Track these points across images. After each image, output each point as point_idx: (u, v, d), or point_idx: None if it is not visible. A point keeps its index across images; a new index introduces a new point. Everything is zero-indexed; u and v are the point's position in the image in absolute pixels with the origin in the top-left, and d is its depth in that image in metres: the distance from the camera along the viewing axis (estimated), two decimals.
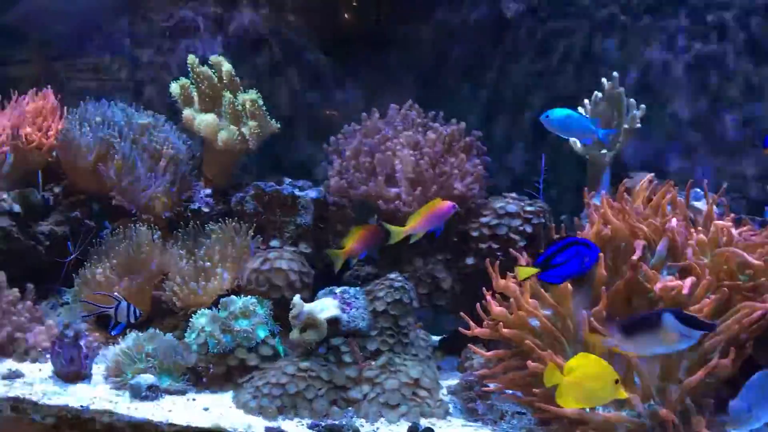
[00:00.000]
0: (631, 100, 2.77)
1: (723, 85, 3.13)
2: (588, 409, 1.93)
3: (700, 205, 2.41)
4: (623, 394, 1.75)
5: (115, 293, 2.62)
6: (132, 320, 2.53)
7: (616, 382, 1.74)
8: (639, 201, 2.30)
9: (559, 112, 2.48)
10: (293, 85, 3.61)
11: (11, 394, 2.29)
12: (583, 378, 1.77)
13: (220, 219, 2.87)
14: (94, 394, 2.33)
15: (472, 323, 2.26)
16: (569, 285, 2.12)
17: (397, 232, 2.56)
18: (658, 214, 2.22)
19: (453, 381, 2.49)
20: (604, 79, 2.81)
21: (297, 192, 2.95)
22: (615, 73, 2.81)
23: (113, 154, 2.97)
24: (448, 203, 2.56)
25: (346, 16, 3.58)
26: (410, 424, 2.16)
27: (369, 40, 3.51)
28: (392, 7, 3.50)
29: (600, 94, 2.81)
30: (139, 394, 2.29)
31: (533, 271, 2.02)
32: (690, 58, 3.16)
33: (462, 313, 2.30)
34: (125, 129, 3.06)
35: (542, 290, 2.15)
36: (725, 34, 3.12)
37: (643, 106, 2.76)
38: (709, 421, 1.88)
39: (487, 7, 3.38)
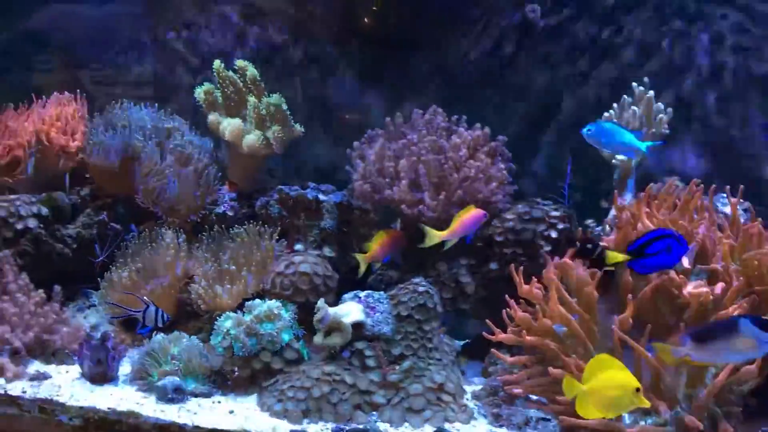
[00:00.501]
0: (659, 104, 2.74)
1: (749, 90, 3.09)
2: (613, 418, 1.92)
3: (727, 209, 2.38)
4: (645, 402, 1.71)
5: (144, 297, 2.64)
6: (160, 324, 2.56)
7: (637, 390, 1.69)
8: (665, 205, 2.28)
9: (602, 126, 2.46)
10: (316, 89, 3.62)
11: (39, 396, 2.32)
12: (602, 387, 1.73)
13: (244, 223, 2.89)
14: (121, 396, 2.34)
15: (495, 329, 2.25)
16: (595, 291, 2.11)
17: (435, 236, 2.56)
18: (685, 218, 2.21)
19: (477, 386, 2.49)
20: (634, 83, 2.78)
21: (321, 196, 2.96)
22: (646, 78, 2.78)
23: (139, 157, 2.99)
24: (480, 211, 2.56)
25: (369, 20, 3.58)
26: (434, 428, 2.16)
27: (392, 44, 3.51)
28: (416, 11, 3.49)
29: (629, 98, 2.79)
30: (165, 396, 2.30)
31: (622, 257, 2.00)
32: (716, 62, 3.13)
33: (487, 321, 2.29)
34: (151, 133, 3.08)
35: (567, 296, 2.14)
36: (750, 39, 3.08)
37: (670, 110, 2.73)
38: (737, 429, 1.86)
39: (511, 11, 3.37)
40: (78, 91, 3.35)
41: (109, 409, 2.24)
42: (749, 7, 3.11)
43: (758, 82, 3.09)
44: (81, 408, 2.26)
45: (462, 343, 2.82)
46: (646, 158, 2.79)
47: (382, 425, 2.20)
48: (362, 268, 2.70)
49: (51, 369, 2.53)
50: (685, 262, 2.05)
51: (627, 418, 1.94)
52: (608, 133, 2.46)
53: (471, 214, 2.55)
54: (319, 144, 3.56)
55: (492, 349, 2.35)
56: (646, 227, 2.17)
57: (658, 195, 2.34)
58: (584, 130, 2.48)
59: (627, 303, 2.03)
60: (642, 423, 1.93)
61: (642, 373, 1.96)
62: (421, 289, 2.49)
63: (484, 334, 2.27)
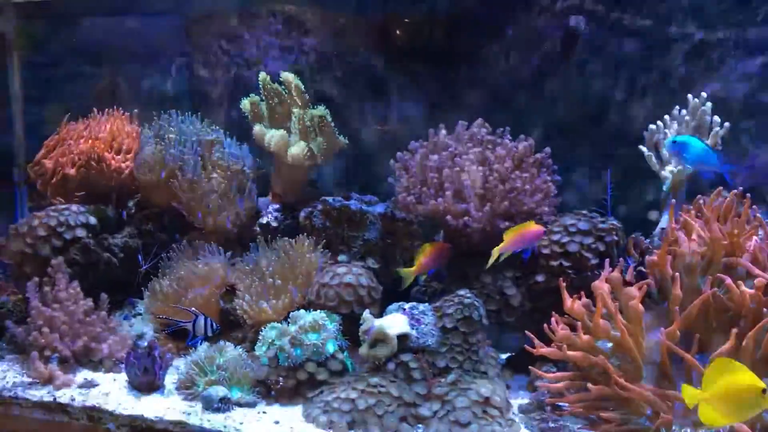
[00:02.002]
0: (716, 117, 2.69)
1: None
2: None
3: None
4: None
5: (193, 308, 2.66)
6: (210, 333, 2.58)
7: (764, 392, 1.60)
8: (713, 217, 2.24)
9: (689, 140, 2.48)
10: (360, 101, 3.63)
11: (88, 403, 2.35)
12: (725, 392, 1.65)
13: (288, 234, 2.90)
14: (167, 405, 2.36)
15: (537, 342, 2.22)
16: (640, 305, 2.08)
17: (495, 252, 2.54)
18: (736, 230, 2.16)
19: (523, 400, 2.45)
20: (690, 96, 2.74)
21: (364, 207, 2.96)
22: (704, 93, 2.74)
23: (183, 170, 3.03)
24: (539, 228, 2.55)
25: (411, 32, 3.59)
26: None
27: (435, 56, 3.51)
28: (458, 23, 3.49)
29: (683, 111, 2.74)
30: (211, 405, 2.31)
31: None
32: (764, 74, 3.07)
33: (527, 332, 2.26)
34: (195, 145, 3.12)
35: (612, 307, 2.11)
36: None
37: (727, 124, 2.68)
38: None
39: (554, 22, 3.35)
40: (123, 102, 3.41)
41: (156, 417, 2.26)
42: None
43: None
44: (129, 416, 2.29)
45: (506, 356, 2.81)
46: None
47: None
48: (407, 283, 2.68)
49: (99, 377, 2.57)
50: None
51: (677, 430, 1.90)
52: (694, 149, 2.47)
53: (528, 229, 2.53)
54: (362, 156, 3.57)
55: (530, 367, 2.31)
56: (715, 236, 2.13)
57: (706, 206, 2.29)
58: (669, 142, 2.51)
59: (674, 315, 2.00)
60: None
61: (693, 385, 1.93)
62: (466, 301, 2.47)
63: (526, 347, 2.24)
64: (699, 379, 1.88)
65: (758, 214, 2.23)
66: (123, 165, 3.21)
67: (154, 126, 3.22)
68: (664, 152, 2.78)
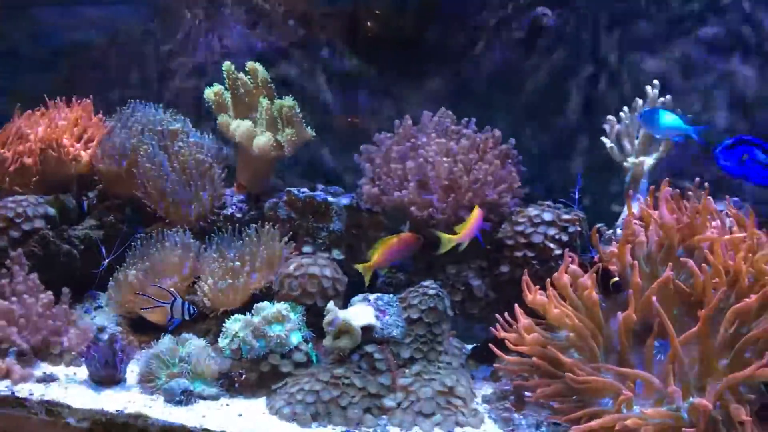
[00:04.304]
0: (678, 110, 2.72)
1: (760, 92, 3.08)
2: (624, 410, 1.91)
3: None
4: None
5: (171, 289, 2.63)
6: (187, 317, 2.56)
7: None
8: (669, 207, 2.27)
9: (655, 110, 2.58)
10: (325, 92, 3.61)
11: (46, 398, 2.31)
12: None
13: (252, 224, 2.87)
14: (129, 398, 2.33)
15: (501, 326, 2.25)
16: (595, 294, 2.11)
17: (447, 240, 2.54)
18: (688, 217, 2.20)
19: (487, 390, 2.46)
20: (648, 87, 2.77)
21: (330, 198, 2.94)
22: (656, 81, 2.77)
23: (143, 160, 2.98)
24: (478, 210, 2.56)
25: (377, 23, 3.57)
26: None
27: (402, 47, 3.50)
28: (426, 15, 3.48)
29: (641, 101, 2.77)
30: (173, 398, 2.29)
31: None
32: (727, 66, 3.11)
33: (496, 315, 2.29)
34: (157, 134, 3.08)
35: (569, 298, 2.15)
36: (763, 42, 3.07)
37: (690, 116, 2.71)
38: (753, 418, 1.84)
39: (520, 14, 3.36)
40: (83, 92, 3.35)
41: (116, 411, 2.23)
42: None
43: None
44: (88, 410, 2.25)
45: (471, 347, 2.82)
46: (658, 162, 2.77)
47: (392, 429, 2.18)
48: (367, 277, 2.67)
49: (58, 371, 2.52)
50: None
51: (638, 409, 1.92)
52: (660, 117, 2.54)
53: (478, 213, 2.55)
54: (328, 147, 3.56)
55: (490, 344, 2.32)
56: (666, 222, 2.16)
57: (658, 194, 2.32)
58: (639, 116, 2.62)
59: (632, 301, 2.03)
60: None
61: (653, 366, 1.96)
62: (431, 291, 2.47)
63: (491, 329, 2.27)
64: (661, 364, 1.93)
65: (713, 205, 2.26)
66: (82, 153, 3.14)
67: (116, 115, 3.16)
68: (626, 143, 2.81)
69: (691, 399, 1.87)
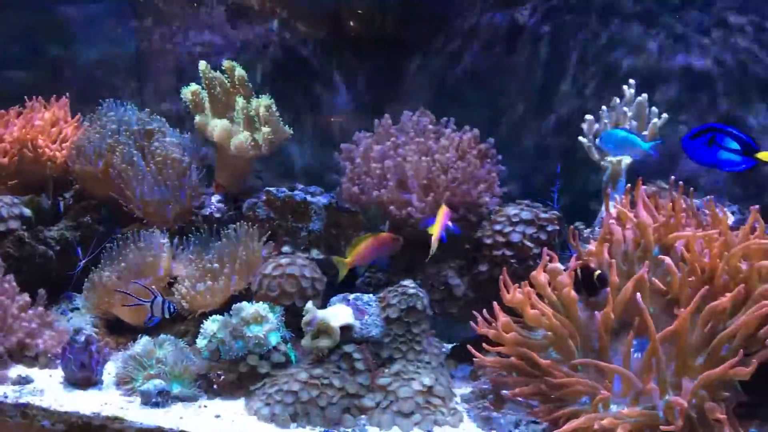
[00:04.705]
0: (654, 108, 2.74)
1: (737, 92, 3.10)
2: (601, 409, 1.92)
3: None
4: None
5: (152, 287, 2.61)
6: (167, 315, 2.54)
7: None
8: (639, 203, 2.28)
9: (610, 131, 2.56)
10: (304, 91, 3.60)
11: (21, 400, 2.28)
12: None
13: (231, 224, 2.86)
14: (105, 400, 2.30)
15: (481, 321, 2.26)
16: (573, 292, 2.12)
17: (435, 241, 2.51)
18: (663, 215, 2.22)
19: (466, 389, 2.47)
20: (625, 87, 2.78)
21: (309, 198, 2.93)
22: (632, 80, 2.78)
23: (119, 161, 2.95)
24: (446, 208, 2.54)
25: (358, 22, 3.57)
26: None
27: (382, 46, 3.50)
28: (406, 14, 3.48)
29: (618, 100, 2.78)
30: (150, 400, 2.26)
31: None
32: (704, 65, 3.14)
33: (474, 312, 2.30)
34: (133, 134, 3.05)
35: (546, 299, 2.16)
36: (739, 39, 3.09)
37: (665, 115, 2.73)
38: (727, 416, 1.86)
39: (500, 14, 3.36)
40: (59, 91, 3.31)
41: (92, 413, 2.21)
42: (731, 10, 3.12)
43: (749, 84, 3.10)
44: (64, 413, 2.22)
45: (451, 346, 2.82)
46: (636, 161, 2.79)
47: (371, 429, 2.18)
48: (342, 273, 2.66)
49: (34, 373, 2.49)
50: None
51: (615, 408, 1.94)
52: (615, 138, 2.53)
53: (444, 212, 2.52)
54: (307, 146, 3.55)
55: (468, 345, 2.32)
56: (642, 221, 2.18)
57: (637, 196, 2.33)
58: (598, 140, 2.61)
59: (610, 299, 2.04)
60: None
61: (631, 363, 1.97)
62: (410, 291, 2.46)
63: (471, 323, 2.28)
64: (639, 362, 1.94)
65: (690, 202, 2.28)
66: (58, 154, 3.11)
67: (92, 115, 3.13)
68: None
69: (667, 397, 1.89)
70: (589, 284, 2.14)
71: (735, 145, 2.25)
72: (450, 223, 2.51)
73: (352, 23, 3.57)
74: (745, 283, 1.97)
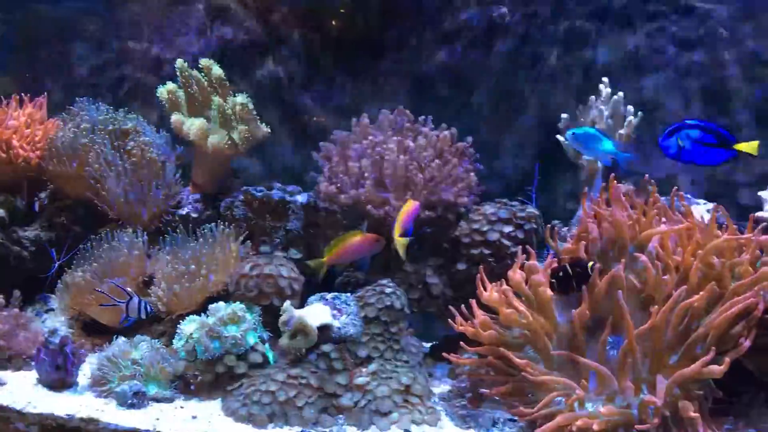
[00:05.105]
0: (629, 107, 2.75)
1: (712, 91, 3.13)
2: (576, 408, 1.93)
3: (697, 209, 2.41)
4: None
5: (128, 288, 2.59)
6: (143, 316, 2.52)
7: None
8: (620, 205, 2.30)
9: (583, 131, 2.51)
10: (283, 90, 3.59)
11: None
12: None
13: (209, 224, 2.84)
14: (80, 402, 2.28)
15: (459, 319, 2.27)
16: (549, 290, 2.13)
17: (399, 240, 2.51)
18: (639, 214, 2.24)
19: (445, 387, 2.47)
20: (601, 85, 2.79)
21: (287, 197, 2.92)
22: (605, 78, 2.80)
23: (95, 160, 2.92)
24: (414, 203, 2.53)
25: (336, 22, 3.56)
26: (402, 431, 2.14)
27: (360, 46, 3.49)
28: (383, 14, 3.48)
29: (595, 98, 2.80)
30: (125, 401, 2.24)
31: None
32: (681, 65, 3.16)
33: (451, 307, 2.31)
34: (108, 133, 3.02)
35: (522, 297, 2.17)
36: (716, 41, 3.12)
37: (640, 113, 2.74)
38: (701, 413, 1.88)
39: (478, 13, 3.37)
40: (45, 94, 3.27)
41: (67, 415, 2.19)
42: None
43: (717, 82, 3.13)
44: (38, 415, 2.20)
45: (429, 345, 2.82)
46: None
47: (348, 428, 2.17)
48: (321, 273, 2.65)
49: (7, 375, 2.46)
50: None
51: (590, 407, 1.95)
52: (588, 139, 2.51)
53: (409, 208, 2.51)
54: (286, 146, 3.53)
55: (443, 354, 2.34)
56: (617, 220, 2.19)
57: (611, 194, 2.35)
58: (567, 134, 2.55)
59: (584, 297, 2.06)
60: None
61: (606, 361, 1.98)
62: (388, 290, 2.47)
63: (449, 321, 2.28)
64: (615, 360, 1.96)
65: (662, 201, 2.30)
66: (32, 154, 3.07)
67: (67, 114, 3.10)
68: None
69: (641, 396, 1.90)
70: (582, 277, 2.11)
71: (711, 140, 2.26)
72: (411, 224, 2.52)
73: (331, 23, 3.55)
74: (719, 281, 1.99)
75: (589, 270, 2.08)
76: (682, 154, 2.30)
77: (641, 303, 2.08)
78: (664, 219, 2.22)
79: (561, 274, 2.10)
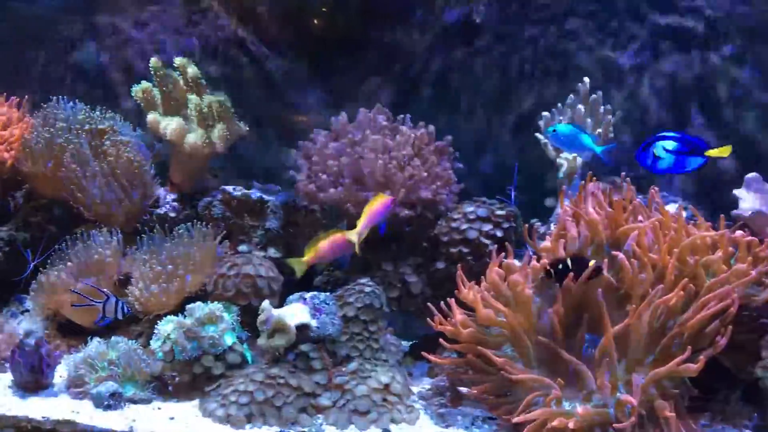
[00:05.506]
0: (608, 106, 2.77)
1: (690, 90, 3.15)
2: (554, 406, 1.93)
3: (672, 207, 2.42)
4: None
5: (105, 288, 2.56)
6: (120, 316, 2.49)
7: None
8: (597, 202, 2.31)
9: (563, 128, 2.54)
10: (263, 89, 3.57)
11: None
12: None
13: (186, 224, 2.82)
14: (56, 404, 2.26)
15: (437, 318, 2.27)
16: (527, 290, 2.13)
17: (352, 234, 2.50)
18: (615, 213, 2.25)
19: (424, 386, 2.47)
20: (580, 84, 2.80)
21: (265, 196, 2.91)
22: (586, 78, 2.81)
23: (70, 161, 2.89)
24: (387, 198, 2.51)
25: (316, 20, 3.54)
26: (380, 430, 2.14)
27: (339, 44, 3.48)
28: (362, 12, 3.47)
29: (573, 97, 2.81)
30: (102, 403, 2.22)
31: None
32: (658, 63, 3.18)
33: (430, 306, 2.31)
34: (84, 133, 2.99)
35: (499, 294, 2.17)
36: (693, 39, 3.14)
37: (619, 112, 2.76)
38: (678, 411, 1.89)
39: (457, 12, 3.37)
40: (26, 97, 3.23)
41: (43, 417, 2.16)
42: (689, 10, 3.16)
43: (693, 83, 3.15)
44: (13, 417, 2.17)
45: (409, 343, 2.82)
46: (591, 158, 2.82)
47: (327, 428, 2.17)
48: (299, 272, 2.63)
49: None
50: None
51: (567, 405, 1.96)
52: (568, 135, 2.52)
53: (378, 203, 2.50)
54: (265, 145, 3.51)
55: (423, 353, 2.35)
56: (591, 218, 2.20)
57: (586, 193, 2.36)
58: (548, 131, 2.58)
59: (558, 295, 2.08)
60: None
61: (583, 359, 1.99)
62: (367, 289, 2.46)
63: (428, 320, 2.29)
64: (592, 357, 1.97)
65: (639, 199, 2.32)
66: (6, 155, 3.02)
67: (42, 113, 3.05)
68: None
69: (618, 395, 1.91)
70: (581, 272, 2.10)
71: (684, 149, 2.32)
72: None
73: (310, 21, 3.54)
74: (694, 278, 2.00)
75: (589, 267, 2.08)
76: (658, 165, 2.35)
77: (619, 301, 2.09)
78: (640, 217, 2.23)
79: (561, 266, 2.10)
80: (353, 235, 2.50)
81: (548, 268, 2.11)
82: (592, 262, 2.07)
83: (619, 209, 2.23)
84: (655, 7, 3.18)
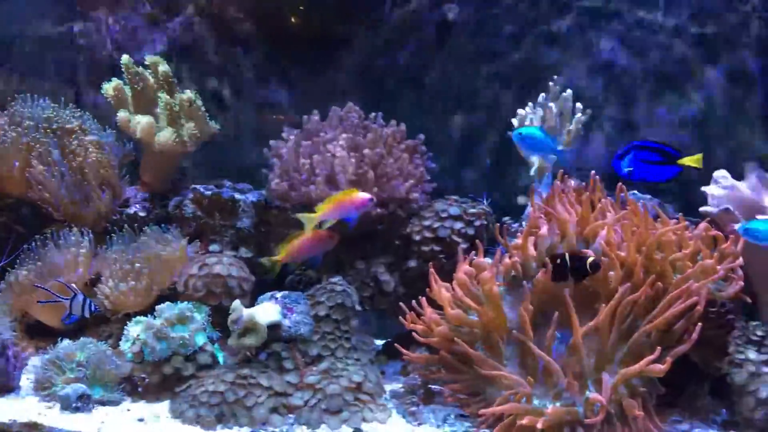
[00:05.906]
0: (578, 104, 2.78)
1: (660, 89, 3.18)
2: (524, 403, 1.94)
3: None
4: None
5: (72, 284, 2.52)
6: (87, 314, 2.45)
7: None
8: (558, 200, 2.33)
9: (527, 131, 2.54)
10: (235, 88, 3.55)
11: None
12: None
13: (157, 223, 2.79)
14: (23, 407, 2.23)
15: (410, 317, 2.27)
16: (496, 287, 2.14)
17: (309, 219, 2.48)
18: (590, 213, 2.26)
19: (397, 385, 2.47)
20: (551, 82, 2.82)
21: (237, 195, 2.89)
22: (556, 76, 2.82)
23: (36, 161, 2.85)
24: (365, 196, 2.47)
25: (289, 18, 3.53)
26: (352, 429, 2.13)
27: (312, 43, 3.46)
28: (335, 10, 3.46)
29: (545, 95, 2.82)
30: (70, 405, 2.19)
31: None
32: (629, 63, 3.20)
33: (401, 304, 2.31)
34: (52, 133, 2.94)
35: (470, 293, 2.19)
36: (662, 38, 3.17)
37: (589, 111, 2.78)
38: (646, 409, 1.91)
39: (429, 10, 3.37)
40: None
41: (9, 420, 2.12)
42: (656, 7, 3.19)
43: (663, 79, 3.18)
44: None
45: (382, 342, 2.82)
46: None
47: (299, 428, 2.16)
48: (274, 272, 2.62)
49: None
50: None
51: (538, 403, 1.96)
52: (532, 139, 2.53)
53: (351, 196, 2.46)
54: (238, 143, 3.49)
55: (395, 344, 2.36)
56: (561, 216, 2.22)
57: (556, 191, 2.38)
58: (515, 134, 2.57)
59: (526, 293, 2.09)
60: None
61: (553, 357, 2.00)
62: (338, 288, 2.46)
63: (400, 318, 2.29)
64: (561, 356, 1.98)
65: (607, 198, 2.34)
66: None
67: (8, 111, 3.01)
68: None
69: (587, 393, 1.92)
70: (578, 269, 2.09)
71: (658, 158, 2.37)
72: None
73: (284, 20, 3.52)
74: (661, 276, 2.02)
75: (587, 265, 2.06)
76: (633, 174, 2.39)
77: (589, 299, 2.10)
78: (609, 214, 2.25)
79: (559, 261, 2.10)
80: (308, 217, 2.46)
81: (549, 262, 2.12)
82: (591, 258, 2.07)
83: (587, 207, 2.24)
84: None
